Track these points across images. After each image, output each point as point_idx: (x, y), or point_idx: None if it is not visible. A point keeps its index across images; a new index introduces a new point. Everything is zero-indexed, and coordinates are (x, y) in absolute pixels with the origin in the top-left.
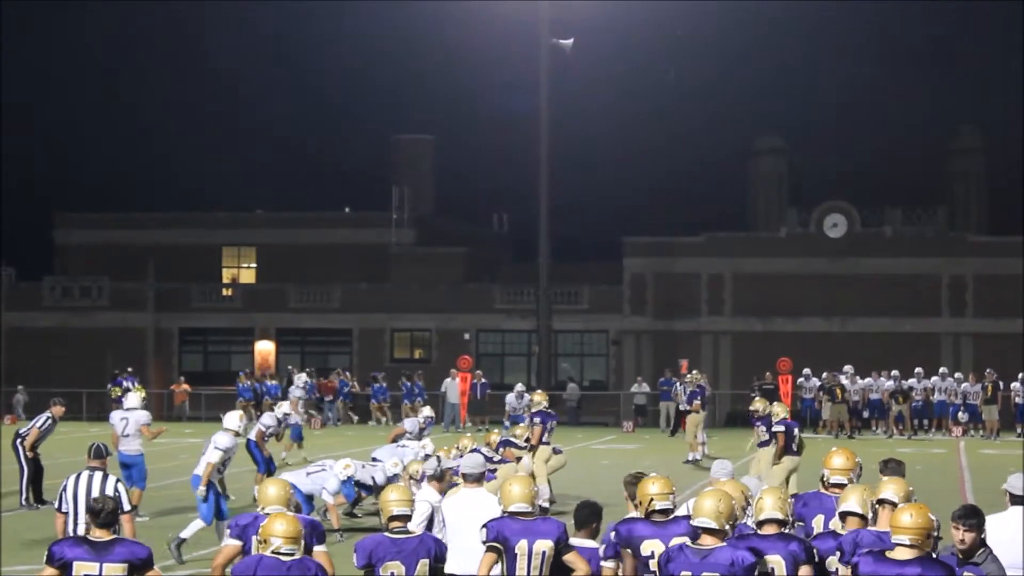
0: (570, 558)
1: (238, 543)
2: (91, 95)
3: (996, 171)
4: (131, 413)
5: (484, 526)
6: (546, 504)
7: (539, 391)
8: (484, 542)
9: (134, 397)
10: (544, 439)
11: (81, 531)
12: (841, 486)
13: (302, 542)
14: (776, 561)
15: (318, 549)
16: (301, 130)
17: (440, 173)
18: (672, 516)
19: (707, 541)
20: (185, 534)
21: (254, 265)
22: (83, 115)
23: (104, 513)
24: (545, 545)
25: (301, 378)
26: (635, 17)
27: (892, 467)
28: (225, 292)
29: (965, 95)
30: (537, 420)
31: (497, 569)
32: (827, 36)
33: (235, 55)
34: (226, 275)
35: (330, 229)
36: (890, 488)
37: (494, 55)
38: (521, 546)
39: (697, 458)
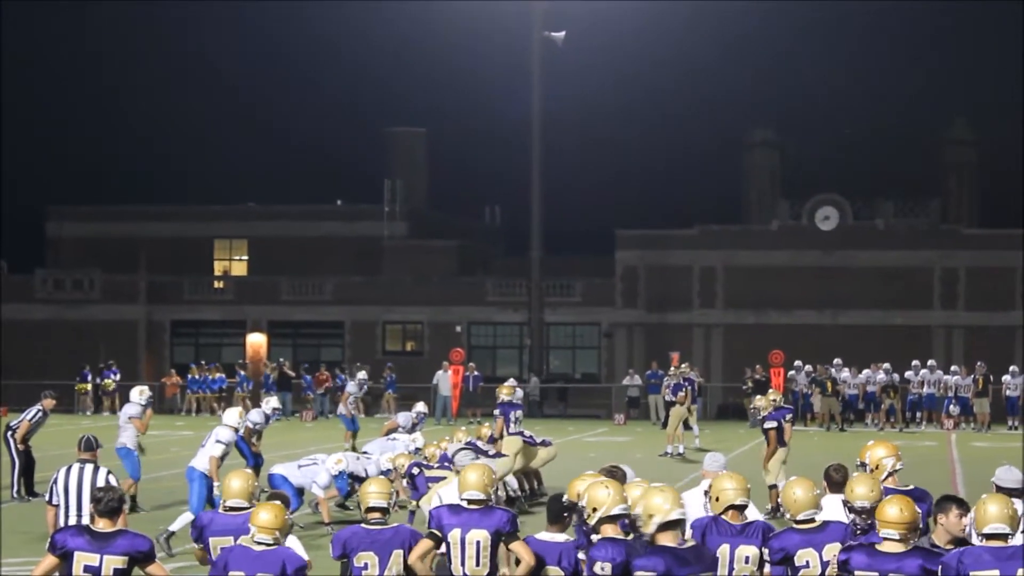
0: (515, 547)
1: (197, 545)
2: (83, 88)
3: (989, 163)
4: (126, 406)
5: (429, 513)
6: (514, 494)
7: (506, 384)
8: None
9: (135, 392)
10: (512, 430)
11: (72, 523)
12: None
13: (279, 533)
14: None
15: None
16: (293, 123)
17: (433, 166)
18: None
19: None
20: (174, 527)
21: (246, 257)
22: (75, 108)
23: (104, 502)
24: (479, 535)
25: (360, 374)
26: (627, 10)
27: (835, 468)
28: (217, 284)
29: (958, 87)
30: (497, 412)
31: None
32: (819, 28)
33: (228, 48)
34: (218, 267)
35: (322, 222)
36: (858, 490)
37: (486, 48)
38: (453, 535)
39: (680, 451)
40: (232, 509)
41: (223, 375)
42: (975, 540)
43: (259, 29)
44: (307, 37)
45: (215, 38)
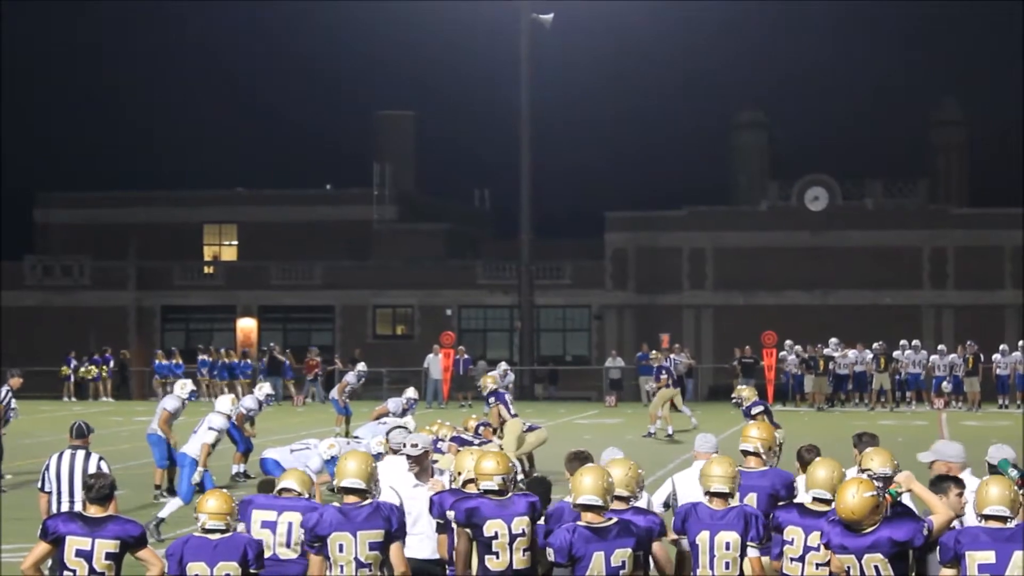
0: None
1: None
2: (72, 74)
3: (977, 143)
4: (167, 397)
5: (431, 499)
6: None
7: (489, 374)
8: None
9: (178, 385)
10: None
11: (65, 509)
12: (754, 455)
13: (230, 518)
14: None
15: None
16: (282, 107)
17: (422, 150)
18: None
19: (593, 518)
20: (163, 514)
21: (235, 242)
22: (64, 94)
23: (95, 488)
24: None
25: (359, 365)
26: None
27: (867, 440)
28: (207, 270)
29: (946, 67)
30: (493, 400)
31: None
32: (808, 9)
33: (217, 34)
34: (207, 253)
35: (312, 206)
36: (875, 460)
37: (475, 32)
38: None
39: (669, 432)
40: (284, 491)
41: (180, 361)
42: (973, 518)
43: (249, 15)
44: (296, 22)
45: (205, 24)
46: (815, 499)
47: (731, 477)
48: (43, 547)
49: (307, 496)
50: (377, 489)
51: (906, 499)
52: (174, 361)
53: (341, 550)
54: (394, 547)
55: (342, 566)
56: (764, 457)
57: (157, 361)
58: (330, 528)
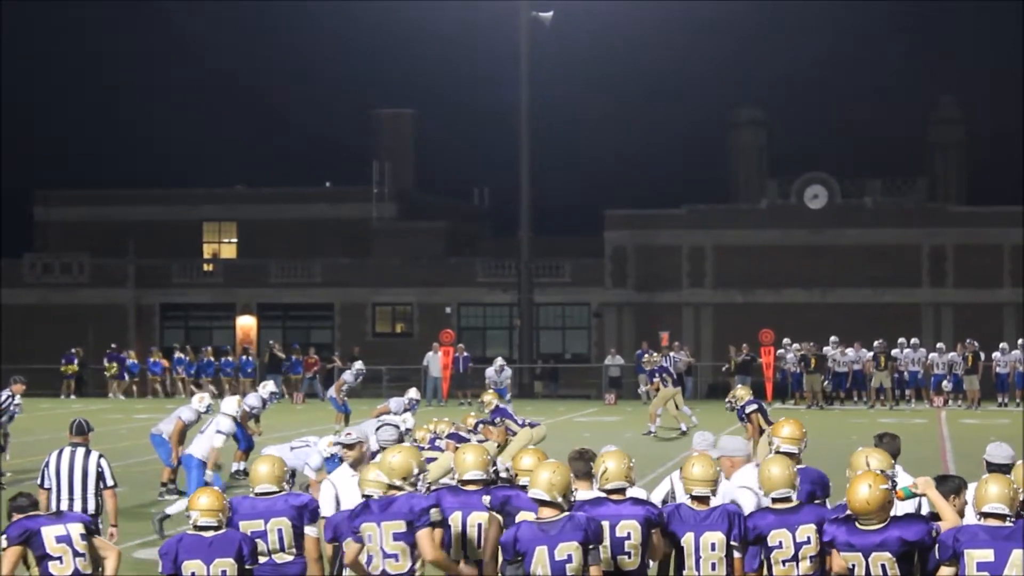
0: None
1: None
2: (70, 72)
3: (975, 141)
4: (183, 408)
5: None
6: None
7: (489, 391)
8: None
9: (196, 398)
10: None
11: (64, 506)
12: (792, 455)
13: (222, 515)
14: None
15: (308, 531)
16: (281, 105)
17: (421, 147)
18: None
19: (546, 513)
20: (171, 510)
21: (235, 240)
22: (62, 91)
23: (25, 507)
24: (481, 518)
25: (357, 364)
26: None
27: (887, 441)
28: (206, 268)
29: (944, 65)
30: (499, 420)
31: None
32: (806, 6)
33: (214, 31)
34: (207, 250)
35: (311, 204)
36: (872, 462)
37: (474, 29)
38: (454, 518)
39: (683, 428)
40: (262, 495)
41: (159, 359)
42: (973, 517)
43: (247, 12)
44: (295, 19)
45: (203, 21)
46: (775, 499)
47: (711, 479)
48: (14, 551)
49: (286, 489)
50: (416, 481)
51: (910, 504)
52: (152, 359)
53: (370, 540)
54: (419, 535)
55: (371, 555)
56: (799, 456)
57: (131, 361)
58: (360, 519)
